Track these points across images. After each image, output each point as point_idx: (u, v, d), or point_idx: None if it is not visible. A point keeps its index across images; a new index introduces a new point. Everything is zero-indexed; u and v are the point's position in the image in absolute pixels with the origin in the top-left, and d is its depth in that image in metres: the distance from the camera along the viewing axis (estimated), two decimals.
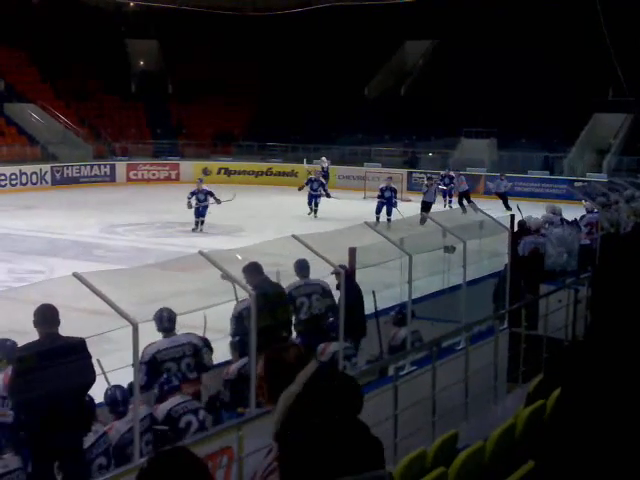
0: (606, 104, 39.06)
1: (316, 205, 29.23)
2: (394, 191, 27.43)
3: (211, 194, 26.11)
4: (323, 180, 30.39)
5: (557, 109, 38.03)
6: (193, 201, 25.99)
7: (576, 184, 32.63)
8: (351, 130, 42.32)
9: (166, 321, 8.40)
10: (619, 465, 1.85)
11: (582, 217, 16.83)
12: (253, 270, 9.35)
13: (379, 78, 47.75)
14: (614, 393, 1.86)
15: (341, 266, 9.89)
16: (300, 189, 30.38)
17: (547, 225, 15.66)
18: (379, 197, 27.35)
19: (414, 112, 41.85)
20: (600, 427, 1.86)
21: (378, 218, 25.76)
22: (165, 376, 7.82)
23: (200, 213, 25.89)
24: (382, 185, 27.99)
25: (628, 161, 36.50)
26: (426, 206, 26.84)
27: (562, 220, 16.10)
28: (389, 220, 25.65)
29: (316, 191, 29.49)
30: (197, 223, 25.78)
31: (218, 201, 25.97)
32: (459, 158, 39.96)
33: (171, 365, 8.02)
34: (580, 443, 1.89)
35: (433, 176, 31.87)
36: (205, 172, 38.73)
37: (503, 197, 31.21)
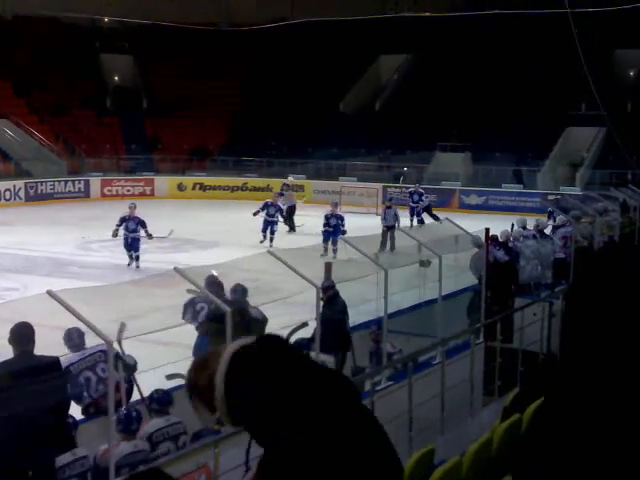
0: (579, 118, 39.41)
1: (272, 233, 25.89)
2: (340, 219, 24.62)
3: (143, 225, 22.59)
4: (282, 205, 27.63)
5: (530, 123, 38.33)
6: (121, 230, 22.64)
7: (549, 197, 32.87)
8: (326, 145, 42.41)
9: (76, 338, 8.35)
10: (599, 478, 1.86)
11: (555, 229, 16.95)
12: (216, 288, 9.43)
13: (354, 92, 47.87)
14: (593, 407, 1.87)
15: (327, 283, 9.99)
16: (255, 214, 26.70)
17: (522, 238, 15.80)
18: (324, 225, 24.44)
19: (389, 126, 42.03)
20: (580, 441, 1.87)
21: (326, 248, 22.55)
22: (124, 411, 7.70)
23: (132, 246, 22.51)
24: (327, 212, 25.07)
25: (601, 174, 36.80)
26: (388, 231, 23.86)
27: (535, 233, 16.25)
28: (334, 250, 22.04)
29: (273, 217, 26.34)
30: (131, 257, 22.53)
31: (150, 236, 22.53)
32: (434, 172, 40.13)
33: (89, 374, 8.08)
34: (559, 457, 1.90)
35: (393, 198, 31.59)
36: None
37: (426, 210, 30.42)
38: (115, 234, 22.62)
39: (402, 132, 40.73)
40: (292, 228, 29.00)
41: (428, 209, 30.35)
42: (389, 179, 39.77)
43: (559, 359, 2.21)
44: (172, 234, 23.69)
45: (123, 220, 22.61)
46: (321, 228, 24.49)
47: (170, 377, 8.22)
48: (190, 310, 10.29)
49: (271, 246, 23.72)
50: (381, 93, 48.17)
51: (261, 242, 24.82)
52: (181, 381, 8.26)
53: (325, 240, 23.41)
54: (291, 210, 29.52)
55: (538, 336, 11.95)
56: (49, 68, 45.80)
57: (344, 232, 23.56)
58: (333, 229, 24.08)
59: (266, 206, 26.62)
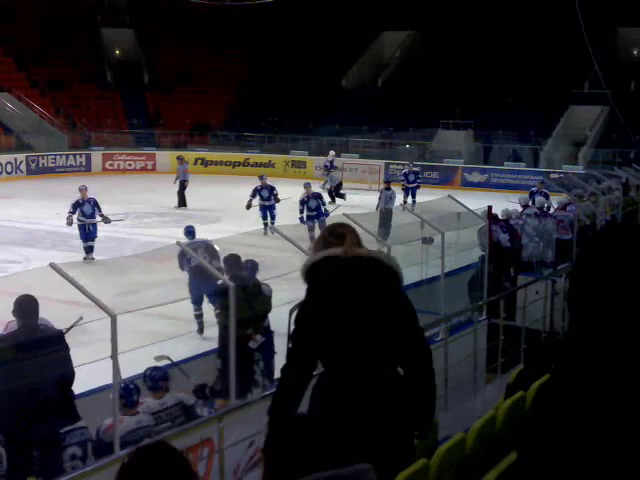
0: (582, 96, 39.27)
1: (273, 218, 23.21)
2: (319, 197, 22.24)
3: (98, 207, 20.01)
4: (273, 185, 24.46)
5: (534, 101, 38.20)
6: (76, 218, 19.78)
7: (552, 176, 32.80)
8: (329, 121, 42.29)
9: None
10: (605, 457, 1.84)
11: (558, 208, 16.89)
12: (232, 262, 9.45)
13: (356, 69, 47.72)
14: (600, 384, 1.85)
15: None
16: (248, 207, 23.80)
17: (524, 216, 15.78)
18: (301, 212, 21.86)
19: (391, 103, 41.86)
20: (586, 417, 1.85)
21: (312, 237, 18.02)
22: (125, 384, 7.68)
23: (91, 235, 19.63)
24: (302, 196, 22.29)
25: (604, 153, 36.70)
26: (387, 214, 19.64)
27: (537, 212, 16.22)
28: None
29: (268, 200, 23.74)
30: (88, 250, 19.32)
31: (106, 220, 19.98)
32: (436, 149, 40.06)
33: None
34: (566, 434, 1.88)
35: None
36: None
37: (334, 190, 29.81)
38: (70, 222, 19.78)
39: (404, 109, 40.61)
40: (183, 203, 28.78)
41: (338, 187, 29.71)
42: (390, 156, 39.69)
43: (564, 336, 2.21)
44: (126, 219, 22.16)
45: (77, 205, 19.82)
46: (298, 215, 21.70)
47: (158, 358, 8.19)
48: (183, 260, 12.83)
49: (272, 233, 20.42)
50: (384, 70, 47.99)
51: (265, 234, 19.49)
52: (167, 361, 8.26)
53: (311, 228, 19.76)
54: (183, 185, 29.14)
55: (541, 314, 11.96)
56: (50, 42, 45.65)
57: (327, 212, 21.66)
58: (316, 211, 21.54)
59: (257, 191, 24.13)
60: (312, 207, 21.71)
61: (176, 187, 29.05)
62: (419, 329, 4.58)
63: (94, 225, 19.69)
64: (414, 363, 4.46)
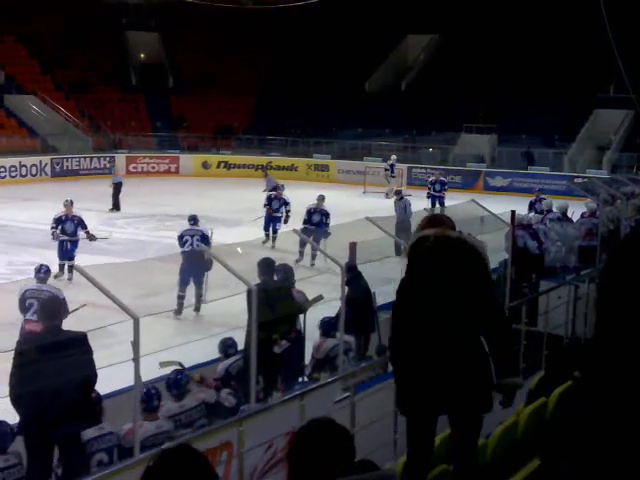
0: (607, 100, 39.03)
1: (274, 232, 21.66)
2: (325, 215, 20.74)
3: (83, 225, 18.55)
4: (286, 198, 22.80)
5: (558, 105, 38.01)
6: (59, 232, 18.30)
7: (576, 180, 32.60)
8: (351, 124, 42.27)
9: (43, 272, 11.54)
10: (630, 467, 1.82)
11: (588, 215, 16.74)
12: (264, 266, 9.55)
13: (380, 72, 47.67)
14: (627, 392, 1.84)
15: (350, 263, 9.96)
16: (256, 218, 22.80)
17: (547, 221, 15.69)
18: (305, 222, 20.24)
19: (414, 107, 41.81)
20: (611, 426, 1.84)
21: (302, 252, 18.02)
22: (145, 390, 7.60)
23: (68, 254, 18.11)
24: (311, 206, 21.17)
25: (628, 157, 36.48)
26: (404, 226, 15.62)
27: (561, 216, 16.14)
28: (313, 256, 17.10)
29: (277, 212, 22.40)
30: (62, 267, 17.76)
31: (92, 237, 18.62)
32: (459, 153, 39.95)
33: (33, 301, 10.51)
34: (590, 442, 1.87)
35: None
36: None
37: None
38: (57, 237, 18.34)
39: (428, 113, 40.54)
40: (116, 207, 28.89)
41: (274, 189, 26.45)
42: (413, 160, 39.62)
43: (589, 343, 2.19)
44: (111, 236, 21.61)
45: (59, 221, 18.40)
46: (300, 225, 19.36)
47: (164, 364, 8.17)
48: (179, 242, 15.94)
49: (273, 246, 19.53)
50: (407, 73, 47.93)
51: (264, 243, 19.73)
52: (176, 367, 8.25)
53: (302, 243, 17.42)
54: (118, 188, 29.18)
55: (563, 319, 11.86)
56: (76, 45, 45.93)
57: (327, 233, 17.13)
58: (315, 226, 19.89)
59: (270, 200, 22.88)
60: (314, 221, 20.42)
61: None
62: (496, 296, 5.66)
63: (73, 244, 18.32)
64: (492, 321, 5.20)
